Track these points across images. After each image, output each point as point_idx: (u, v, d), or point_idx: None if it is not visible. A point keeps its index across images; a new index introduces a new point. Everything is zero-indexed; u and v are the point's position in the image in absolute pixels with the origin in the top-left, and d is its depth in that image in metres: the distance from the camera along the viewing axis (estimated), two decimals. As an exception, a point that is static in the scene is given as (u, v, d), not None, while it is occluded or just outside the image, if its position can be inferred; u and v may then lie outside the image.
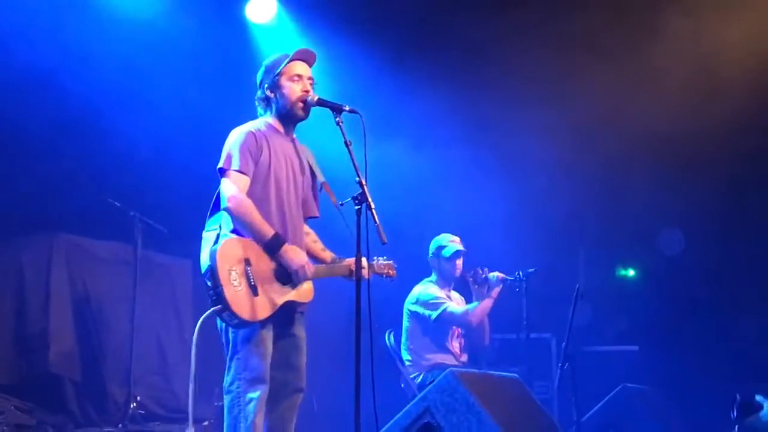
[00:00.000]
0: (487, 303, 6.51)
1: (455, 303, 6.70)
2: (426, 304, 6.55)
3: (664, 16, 7.50)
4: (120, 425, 6.71)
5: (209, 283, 4.19)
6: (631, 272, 9.18)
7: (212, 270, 4.18)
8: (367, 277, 4.40)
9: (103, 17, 6.97)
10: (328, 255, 4.77)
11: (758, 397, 3.71)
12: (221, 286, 4.15)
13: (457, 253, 6.65)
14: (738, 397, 3.71)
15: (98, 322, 7.16)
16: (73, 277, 7.10)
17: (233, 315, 4.17)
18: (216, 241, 4.31)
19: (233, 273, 4.20)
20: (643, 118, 7.75)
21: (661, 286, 8.52)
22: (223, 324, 4.36)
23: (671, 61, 7.60)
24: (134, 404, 6.90)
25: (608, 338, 7.96)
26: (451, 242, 6.70)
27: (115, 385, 7.09)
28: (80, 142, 7.17)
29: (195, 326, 7.75)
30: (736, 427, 3.64)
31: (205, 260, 4.27)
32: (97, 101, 7.11)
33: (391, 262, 4.87)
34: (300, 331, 4.57)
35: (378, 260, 4.79)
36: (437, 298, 6.56)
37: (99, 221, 7.30)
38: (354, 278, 4.45)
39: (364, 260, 4.41)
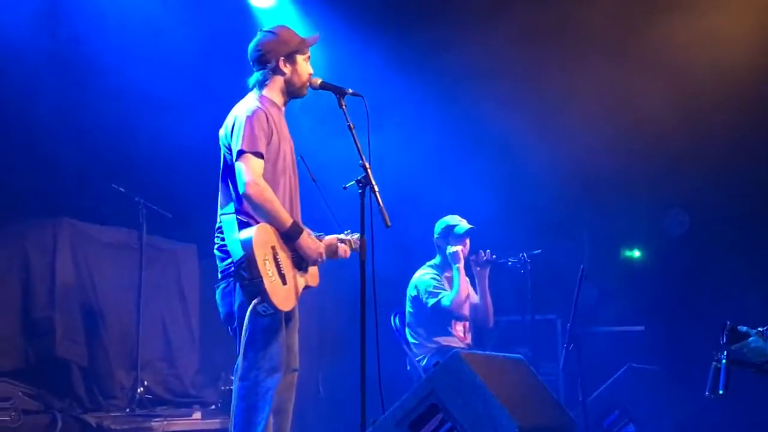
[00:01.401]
0: (463, 284, 6.49)
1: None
2: (424, 290, 6.55)
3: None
4: (127, 410, 6.74)
5: (245, 274, 4.09)
6: (636, 253, 9.18)
7: (249, 260, 4.08)
8: (346, 255, 4.41)
9: (104, 4, 6.95)
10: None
11: (742, 328, 3.75)
12: (261, 277, 4.06)
13: (468, 231, 6.64)
14: (728, 323, 3.74)
15: (104, 308, 7.16)
16: (79, 262, 7.10)
17: (270, 305, 4.10)
18: (240, 226, 4.23)
19: (267, 263, 4.12)
20: (647, 99, 7.72)
21: (666, 266, 8.52)
22: (235, 309, 4.26)
23: (674, 42, 7.56)
24: (141, 389, 6.92)
25: (614, 319, 7.96)
26: (461, 222, 6.70)
27: (122, 369, 7.11)
28: (85, 128, 7.16)
29: (200, 311, 7.81)
30: (725, 352, 3.66)
31: (237, 249, 4.16)
32: (101, 87, 7.10)
33: (356, 235, 4.67)
34: (296, 313, 4.56)
35: (349, 236, 4.70)
36: (435, 286, 6.54)
37: (104, 207, 7.30)
38: (337, 257, 4.56)
39: (338, 237, 4.47)
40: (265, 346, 4.24)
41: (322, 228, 4.63)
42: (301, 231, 4.31)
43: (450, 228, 6.67)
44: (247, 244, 4.11)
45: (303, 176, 4.67)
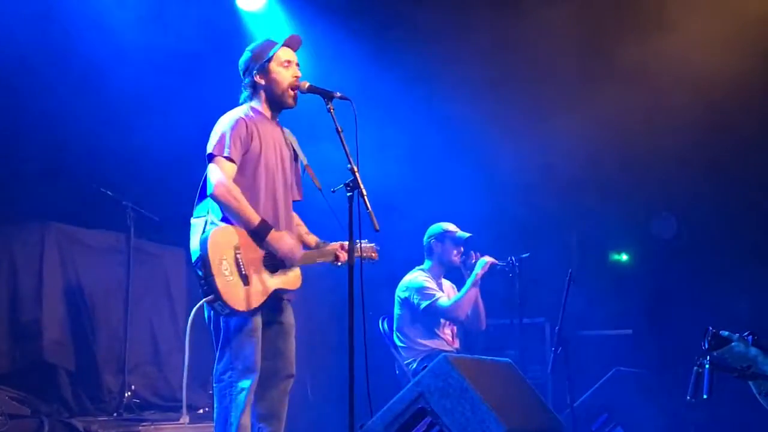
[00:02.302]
0: (472, 292, 6.51)
1: (446, 293, 6.69)
2: (416, 292, 6.54)
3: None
4: (115, 414, 6.72)
5: (200, 273, 4.18)
6: (624, 257, 9.19)
7: (203, 259, 4.16)
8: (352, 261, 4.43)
9: (92, 7, 6.94)
10: (312, 239, 4.76)
11: (724, 333, 3.78)
12: (213, 275, 4.13)
13: (468, 239, 6.64)
14: (710, 329, 3.76)
15: (91, 312, 7.14)
16: (66, 266, 7.08)
17: (224, 305, 4.16)
18: (205, 229, 4.30)
19: (224, 262, 4.18)
20: (636, 103, 7.74)
21: (654, 270, 8.54)
22: (211, 313, 4.36)
23: (664, 48, 7.58)
24: (129, 393, 6.91)
25: (602, 322, 7.97)
26: (458, 229, 6.69)
27: (110, 374, 7.09)
28: (72, 132, 7.15)
29: (187, 315, 7.80)
30: (708, 357, 3.68)
31: (195, 249, 4.26)
32: (88, 91, 7.09)
33: (373, 245, 4.86)
34: (288, 318, 4.58)
35: (360, 243, 4.78)
36: (427, 288, 6.53)
37: (91, 210, 7.28)
38: (338, 264, 4.60)
39: (342, 243, 4.48)
40: (238, 347, 4.31)
41: (331, 236, 4.67)
42: (269, 229, 4.34)
43: (449, 233, 6.65)
44: (202, 244, 4.19)
45: (311, 186, 4.71)
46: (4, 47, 6.48)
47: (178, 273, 7.98)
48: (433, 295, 6.49)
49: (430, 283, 6.59)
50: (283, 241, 4.39)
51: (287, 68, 4.57)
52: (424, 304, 6.47)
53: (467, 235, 6.66)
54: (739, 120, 7.61)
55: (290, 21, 7.87)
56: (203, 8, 7.42)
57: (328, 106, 4.41)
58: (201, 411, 7.16)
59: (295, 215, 4.77)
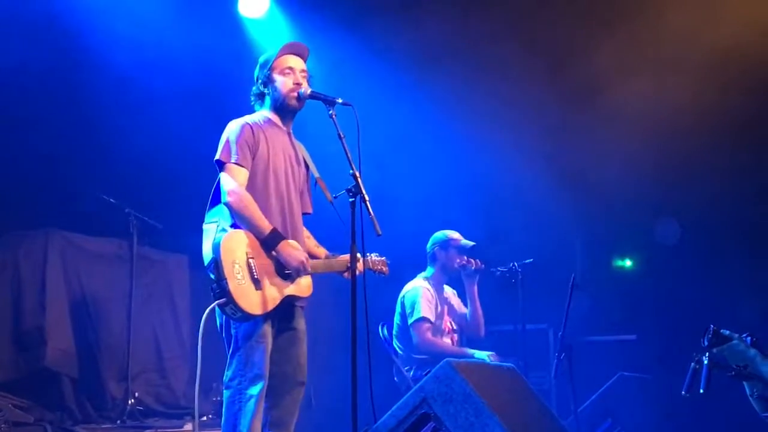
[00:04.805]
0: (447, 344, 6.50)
1: (448, 300, 6.69)
2: (411, 306, 6.49)
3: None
4: (118, 421, 6.72)
5: (213, 276, 4.19)
6: (628, 262, 9.18)
7: (216, 262, 4.17)
8: (360, 272, 4.43)
9: (96, 14, 6.95)
10: (321, 251, 4.77)
11: (725, 331, 3.79)
12: (225, 278, 4.14)
13: (472, 248, 6.63)
14: (711, 326, 3.78)
15: (95, 319, 7.15)
16: (69, 273, 7.09)
17: (237, 308, 4.17)
18: (216, 234, 4.32)
19: (236, 266, 4.20)
20: (640, 108, 7.74)
21: (657, 275, 8.52)
22: (223, 319, 4.38)
23: (671, 49, 7.58)
24: (132, 400, 6.91)
25: (605, 328, 7.95)
26: (463, 238, 6.67)
27: (113, 381, 7.09)
28: (75, 139, 7.16)
29: (191, 322, 7.82)
30: (707, 354, 3.69)
31: (208, 252, 4.28)
32: (91, 98, 7.10)
33: (383, 258, 4.88)
34: (300, 324, 4.59)
35: (371, 256, 4.79)
36: (422, 305, 6.44)
37: (94, 218, 7.29)
38: (348, 275, 4.54)
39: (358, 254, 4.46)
40: (247, 354, 4.32)
41: (341, 249, 4.67)
42: (280, 239, 4.36)
43: (453, 241, 6.60)
44: (216, 247, 4.22)
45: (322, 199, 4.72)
46: (5, 56, 6.49)
47: (182, 280, 7.98)
48: (420, 317, 6.44)
49: (428, 298, 6.52)
50: (293, 253, 4.39)
51: (288, 75, 4.59)
52: (410, 321, 6.45)
53: (471, 243, 6.63)
54: (746, 124, 7.60)
55: (292, 27, 7.88)
56: (205, 15, 7.43)
57: (330, 112, 4.43)
58: (205, 418, 7.16)
59: (304, 228, 4.78)
